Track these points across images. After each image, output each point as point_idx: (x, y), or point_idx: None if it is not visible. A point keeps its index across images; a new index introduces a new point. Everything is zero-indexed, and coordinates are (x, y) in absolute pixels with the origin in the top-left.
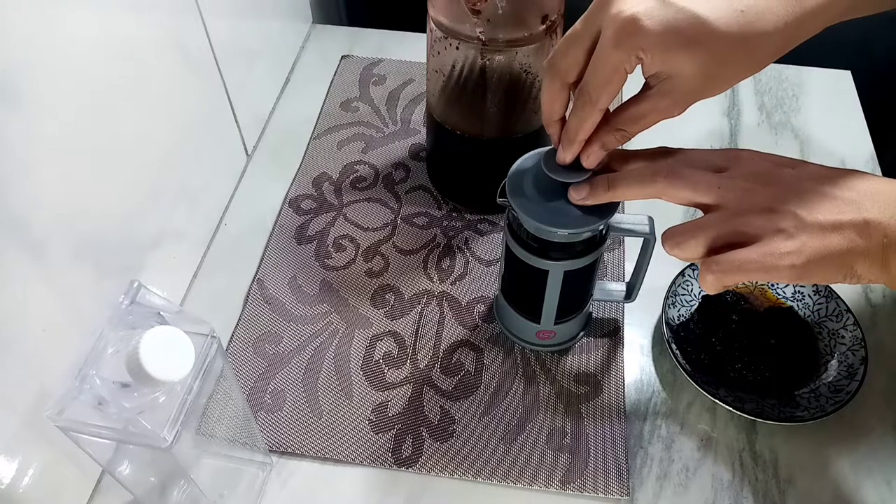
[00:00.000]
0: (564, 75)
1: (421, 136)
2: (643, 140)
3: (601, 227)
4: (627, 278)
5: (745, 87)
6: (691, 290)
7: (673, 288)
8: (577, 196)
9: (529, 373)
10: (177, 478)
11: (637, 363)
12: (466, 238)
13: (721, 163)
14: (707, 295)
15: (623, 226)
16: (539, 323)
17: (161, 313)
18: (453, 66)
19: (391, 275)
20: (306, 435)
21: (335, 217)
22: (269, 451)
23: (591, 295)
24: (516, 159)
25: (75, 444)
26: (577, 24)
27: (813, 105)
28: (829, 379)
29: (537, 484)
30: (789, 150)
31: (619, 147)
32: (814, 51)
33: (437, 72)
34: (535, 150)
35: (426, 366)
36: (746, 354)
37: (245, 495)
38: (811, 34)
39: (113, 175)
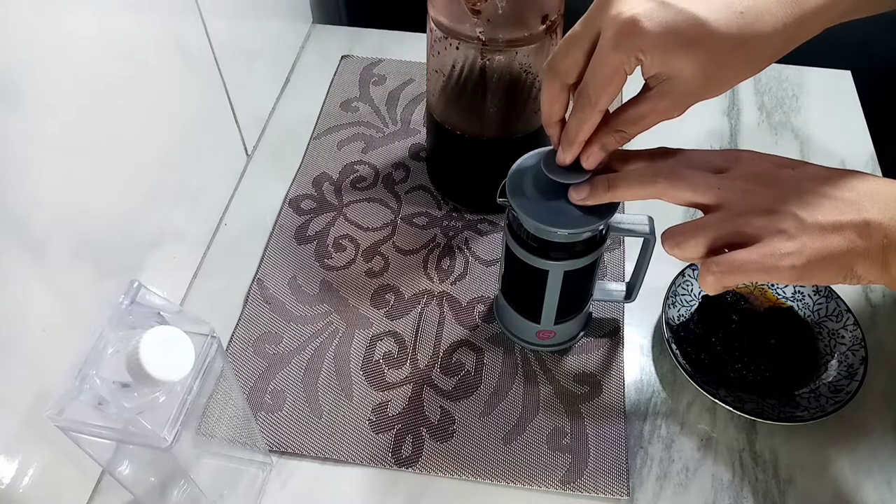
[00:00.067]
0: (564, 77)
1: (421, 136)
2: (643, 140)
3: (601, 227)
4: (627, 278)
5: (745, 87)
6: (691, 290)
7: (673, 288)
8: (578, 196)
9: (529, 373)
10: (177, 478)
11: (637, 363)
12: (466, 238)
13: (721, 163)
14: (707, 295)
15: (623, 226)
16: (539, 323)
17: (161, 313)
18: (453, 66)
19: (391, 275)
20: (306, 435)
21: (335, 217)
22: (269, 451)
23: (591, 295)
24: (516, 159)
25: (75, 444)
26: (577, 25)
27: (813, 105)
28: (829, 379)
29: (537, 484)
30: (789, 150)
31: (619, 148)
32: (814, 51)
33: (437, 72)
34: (535, 150)
35: (426, 366)
36: (746, 354)
37: (245, 495)
38: (810, 36)
39: (113, 175)
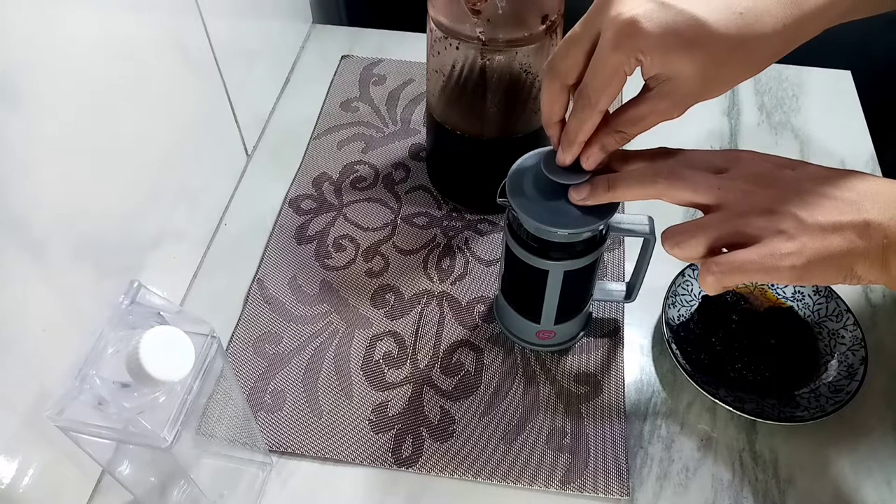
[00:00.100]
0: (564, 77)
1: (421, 136)
2: (643, 141)
3: (601, 227)
4: (627, 278)
5: (745, 87)
6: (691, 290)
7: (673, 288)
8: (578, 197)
9: (529, 373)
10: (177, 478)
11: (637, 363)
12: (466, 238)
13: (721, 164)
14: (707, 295)
15: (623, 226)
16: (539, 323)
17: (161, 313)
18: (453, 66)
19: (391, 275)
20: (306, 435)
21: (335, 217)
22: (269, 451)
23: (591, 295)
24: (516, 159)
25: (75, 444)
26: (577, 26)
27: (813, 105)
28: (829, 379)
29: (537, 484)
30: (789, 150)
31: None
32: (814, 51)
33: (437, 72)
34: (536, 150)
35: (426, 366)
36: (746, 354)
37: (245, 495)
38: (810, 36)
39: (113, 175)
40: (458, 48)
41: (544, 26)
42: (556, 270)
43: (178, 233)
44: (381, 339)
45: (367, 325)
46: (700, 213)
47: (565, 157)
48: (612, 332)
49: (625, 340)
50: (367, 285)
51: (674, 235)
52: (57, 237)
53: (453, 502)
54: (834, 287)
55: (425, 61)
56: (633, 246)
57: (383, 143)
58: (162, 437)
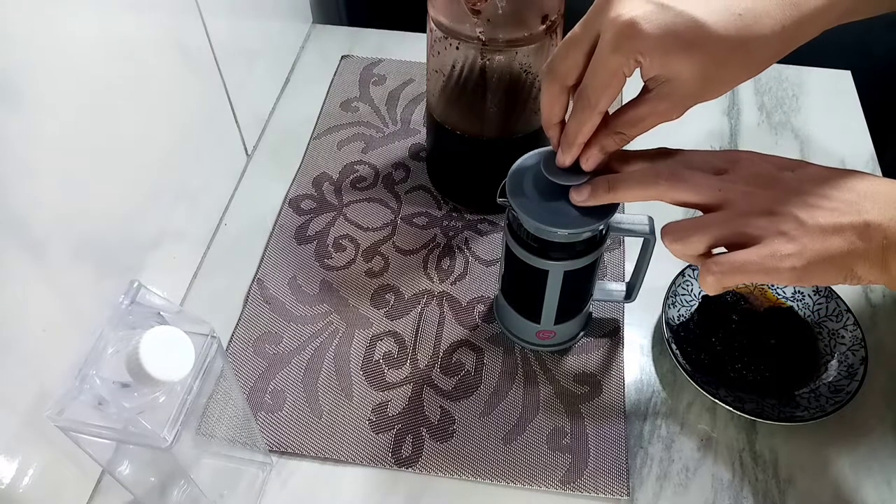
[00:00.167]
0: (563, 79)
1: (421, 136)
2: (644, 140)
3: (601, 227)
4: (627, 278)
5: (745, 87)
6: (691, 290)
7: (673, 288)
8: (579, 198)
9: (529, 373)
10: (177, 478)
11: (637, 363)
12: (466, 238)
13: (721, 164)
14: (707, 295)
15: (623, 226)
16: (539, 323)
17: (161, 313)
18: (453, 66)
19: (391, 275)
20: (306, 435)
21: (335, 217)
22: (269, 451)
23: (591, 295)
24: (516, 159)
25: (75, 444)
26: (576, 27)
27: (813, 105)
28: (829, 379)
29: (537, 484)
30: (789, 150)
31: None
32: (814, 51)
33: (437, 72)
34: (536, 150)
35: (426, 366)
36: (746, 354)
37: (245, 495)
38: (809, 38)
39: (113, 175)
40: (458, 48)
41: (544, 26)
42: (556, 270)
43: (178, 233)
44: (381, 339)
45: (367, 325)
46: (699, 213)
47: (565, 159)
48: (612, 332)
49: (625, 340)
50: (367, 285)
51: (675, 231)
52: (57, 237)
53: (453, 502)
54: (834, 287)
55: (425, 61)
56: (633, 246)
57: (383, 143)
58: (162, 437)
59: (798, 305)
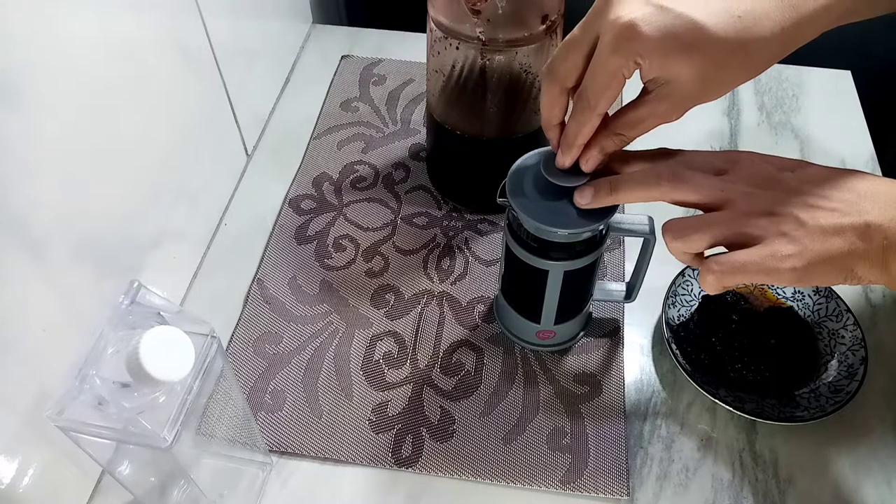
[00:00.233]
0: (563, 80)
1: (421, 136)
2: (644, 140)
3: (601, 227)
4: (627, 278)
5: (745, 87)
6: (691, 290)
7: (673, 288)
8: (583, 201)
9: (529, 373)
10: (177, 478)
11: (637, 363)
12: (466, 238)
13: (721, 165)
14: (707, 295)
15: (623, 226)
16: (539, 323)
17: (161, 313)
18: (453, 66)
19: (391, 275)
20: (306, 435)
21: (335, 217)
22: (269, 451)
23: (591, 295)
24: (516, 159)
25: (75, 444)
26: (576, 29)
27: (813, 105)
28: (829, 379)
29: (537, 484)
30: (789, 150)
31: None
32: (814, 51)
33: (437, 72)
34: (536, 150)
35: (426, 366)
36: (746, 354)
37: (245, 495)
38: (808, 39)
39: (113, 175)
40: (458, 48)
41: (544, 26)
42: (556, 270)
43: (178, 233)
44: (381, 339)
45: (367, 325)
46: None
47: (565, 160)
48: (612, 332)
49: (625, 340)
50: (367, 285)
51: (676, 229)
52: (57, 237)
53: (453, 502)
54: (834, 287)
55: (425, 61)
56: (633, 246)
57: (383, 143)
58: (162, 437)
59: (798, 305)
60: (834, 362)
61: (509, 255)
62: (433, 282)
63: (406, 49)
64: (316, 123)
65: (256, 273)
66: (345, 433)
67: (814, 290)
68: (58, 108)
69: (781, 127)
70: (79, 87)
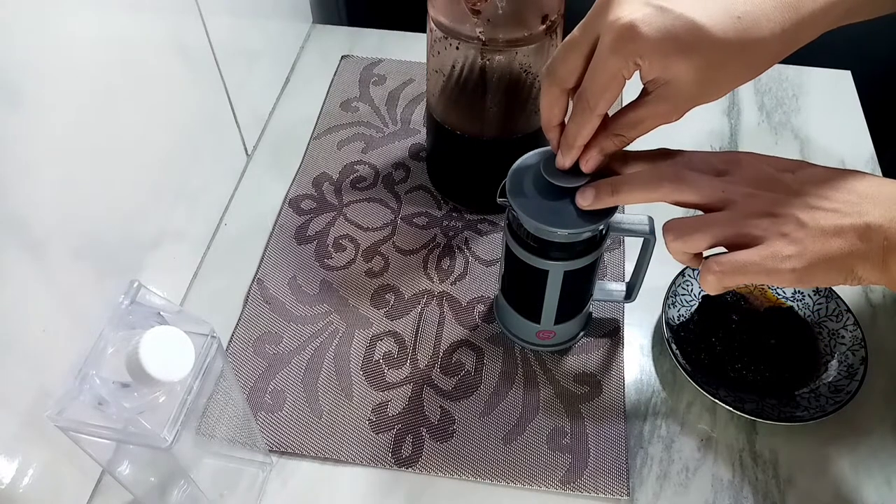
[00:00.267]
0: (563, 81)
1: (421, 136)
2: (644, 141)
3: (601, 227)
4: (627, 278)
5: (745, 87)
6: (691, 290)
7: (673, 288)
8: (584, 202)
9: (529, 373)
10: (177, 478)
11: (637, 363)
12: (466, 238)
13: (721, 166)
14: (707, 295)
15: (623, 226)
16: (539, 323)
17: (161, 313)
18: (453, 66)
19: (391, 275)
20: (306, 435)
21: (335, 217)
22: (269, 451)
23: (591, 295)
24: (516, 159)
25: (75, 444)
26: (576, 30)
27: (813, 105)
28: (829, 379)
29: (537, 484)
30: (789, 151)
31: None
32: (814, 51)
33: (437, 72)
34: (536, 150)
35: (426, 366)
36: (746, 354)
37: (245, 495)
38: (808, 40)
39: (113, 175)
40: (458, 48)
41: (544, 26)
42: (556, 270)
43: (178, 233)
44: (381, 339)
45: (367, 325)
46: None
47: (565, 161)
48: (612, 332)
49: (625, 340)
50: (367, 285)
51: (677, 229)
52: (57, 237)
53: (453, 502)
54: (834, 287)
55: (425, 61)
56: (633, 246)
57: (383, 143)
58: (162, 437)
59: (798, 305)
60: (834, 362)
61: (509, 255)
62: (433, 282)
63: (406, 49)
64: (316, 123)
65: (256, 273)
66: (345, 433)
67: (814, 290)
68: (58, 108)
69: (781, 127)
70: (79, 87)
